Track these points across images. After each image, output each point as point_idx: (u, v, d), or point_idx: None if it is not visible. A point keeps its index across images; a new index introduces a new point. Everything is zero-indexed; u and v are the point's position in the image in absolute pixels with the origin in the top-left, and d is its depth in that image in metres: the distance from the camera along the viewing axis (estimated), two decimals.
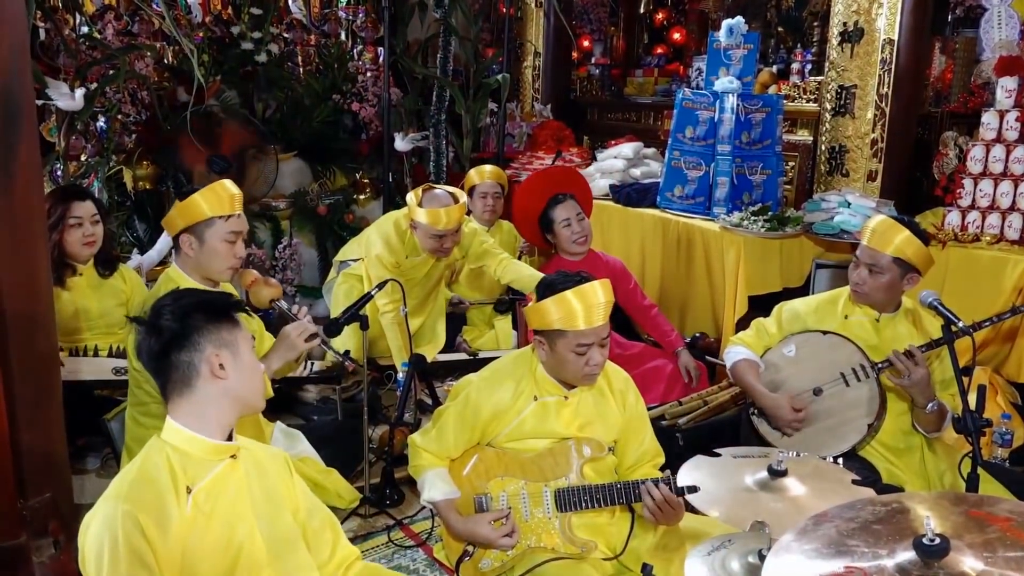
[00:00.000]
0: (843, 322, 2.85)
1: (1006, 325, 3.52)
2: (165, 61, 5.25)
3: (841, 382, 2.78)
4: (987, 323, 2.74)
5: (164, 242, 4.13)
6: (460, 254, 4.16)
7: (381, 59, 5.67)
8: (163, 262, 4.17)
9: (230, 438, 1.74)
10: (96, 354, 3.31)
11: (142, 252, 4.30)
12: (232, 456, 1.72)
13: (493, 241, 4.14)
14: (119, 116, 4.78)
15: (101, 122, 4.71)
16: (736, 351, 2.99)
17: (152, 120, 4.93)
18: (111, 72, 4.42)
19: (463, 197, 3.84)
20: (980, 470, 2.30)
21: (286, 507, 1.80)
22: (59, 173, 4.24)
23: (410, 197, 3.77)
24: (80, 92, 3.97)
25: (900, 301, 2.84)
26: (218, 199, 2.61)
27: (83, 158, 4.54)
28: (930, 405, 2.65)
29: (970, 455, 2.30)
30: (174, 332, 1.65)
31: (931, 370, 2.76)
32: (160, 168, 4.98)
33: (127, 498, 1.57)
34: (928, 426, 2.74)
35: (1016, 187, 3.69)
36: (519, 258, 4.58)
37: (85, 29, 4.62)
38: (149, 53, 4.82)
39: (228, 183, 2.68)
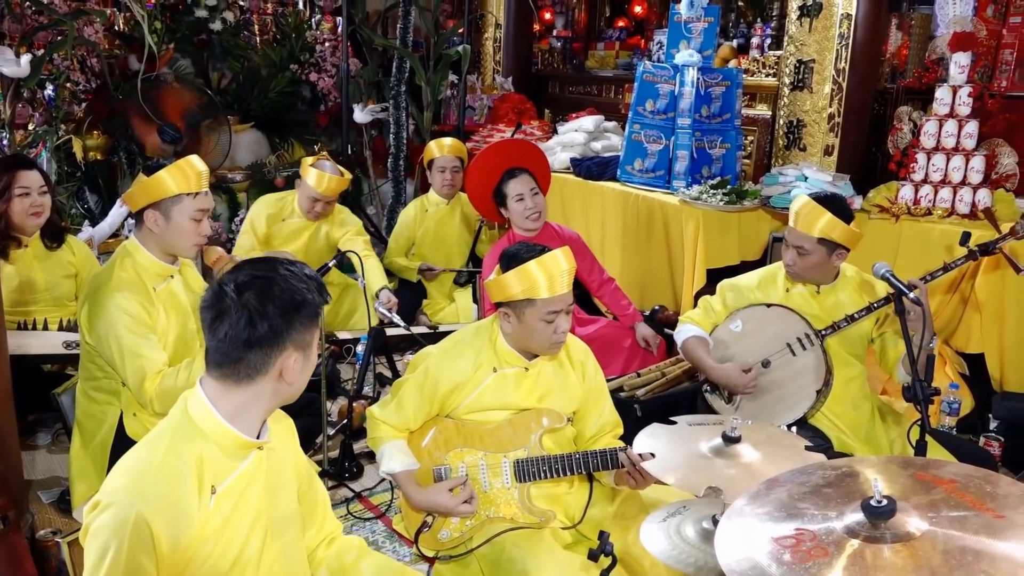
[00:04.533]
0: (785, 295, 2.91)
1: (954, 300, 3.61)
2: (116, 28, 5.10)
3: (788, 352, 2.84)
4: (929, 277, 2.89)
5: (116, 214, 4.04)
6: (341, 233, 4.18)
7: (340, 29, 5.58)
8: (115, 234, 4.08)
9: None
10: (46, 327, 3.24)
11: (93, 224, 4.20)
12: (259, 448, 1.61)
13: (361, 234, 4.22)
14: (68, 84, 4.65)
15: (49, 90, 4.58)
16: (685, 329, 3.04)
17: (103, 89, 4.80)
18: (59, 38, 4.29)
19: (348, 178, 4.08)
20: (928, 437, 2.35)
21: (294, 483, 1.72)
22: (5, 142, 4.12)
23: (306, 159, 4.09)
24: (26, 58, 3.85)
25: (838, 272, 2.90)
26: (185, 176, 2.54)
27: (30, 127, 4.41)
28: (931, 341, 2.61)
29: (919, 423, 2.36)
30: (273, 331, 1.49)
31: (883, 331, 2.82)
32: (111, 138, 4.86)
33: (145, 496, 1.42)
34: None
35: (967, 162, 3.76)
36: (478, 231, 4.56)
37: None
38: (99, 19, 4.68)
39: (195, 160, 2.61)
